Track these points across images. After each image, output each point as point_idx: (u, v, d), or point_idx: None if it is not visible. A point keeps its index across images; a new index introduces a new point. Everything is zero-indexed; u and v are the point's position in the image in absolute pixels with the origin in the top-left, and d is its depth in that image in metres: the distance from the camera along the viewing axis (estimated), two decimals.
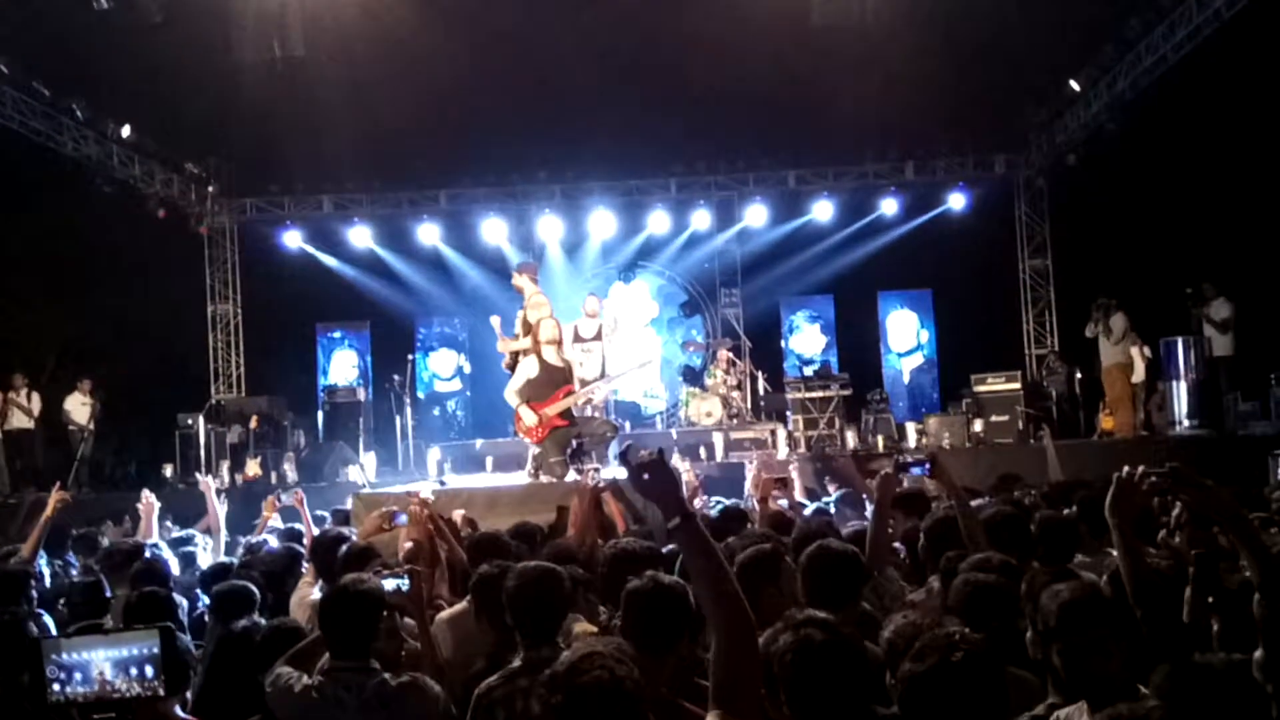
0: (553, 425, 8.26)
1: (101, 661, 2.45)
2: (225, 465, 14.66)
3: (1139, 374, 14.02)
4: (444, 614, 4.49)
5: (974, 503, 5.12)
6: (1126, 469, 3.36)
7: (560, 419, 8.32)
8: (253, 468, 14.21)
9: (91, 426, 14.75)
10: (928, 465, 4.95)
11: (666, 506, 2.59)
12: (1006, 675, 2.57)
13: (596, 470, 7.50)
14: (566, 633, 3.93)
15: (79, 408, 14.93)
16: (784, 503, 7.17)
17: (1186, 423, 13.35)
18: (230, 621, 4.45)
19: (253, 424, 15.34)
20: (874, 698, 2.68)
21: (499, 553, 4.85)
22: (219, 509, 7.65)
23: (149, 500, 7.27)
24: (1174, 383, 13.57)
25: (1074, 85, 14.92)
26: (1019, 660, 3.04)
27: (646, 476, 2.59)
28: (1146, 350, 14.05)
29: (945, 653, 2.42)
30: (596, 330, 10.64)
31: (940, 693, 2.39)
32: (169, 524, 9.06)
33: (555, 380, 8.32)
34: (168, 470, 14.88)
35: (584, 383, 8.86)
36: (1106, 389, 13.81)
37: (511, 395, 8.35)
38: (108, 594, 5.17)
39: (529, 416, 8.21)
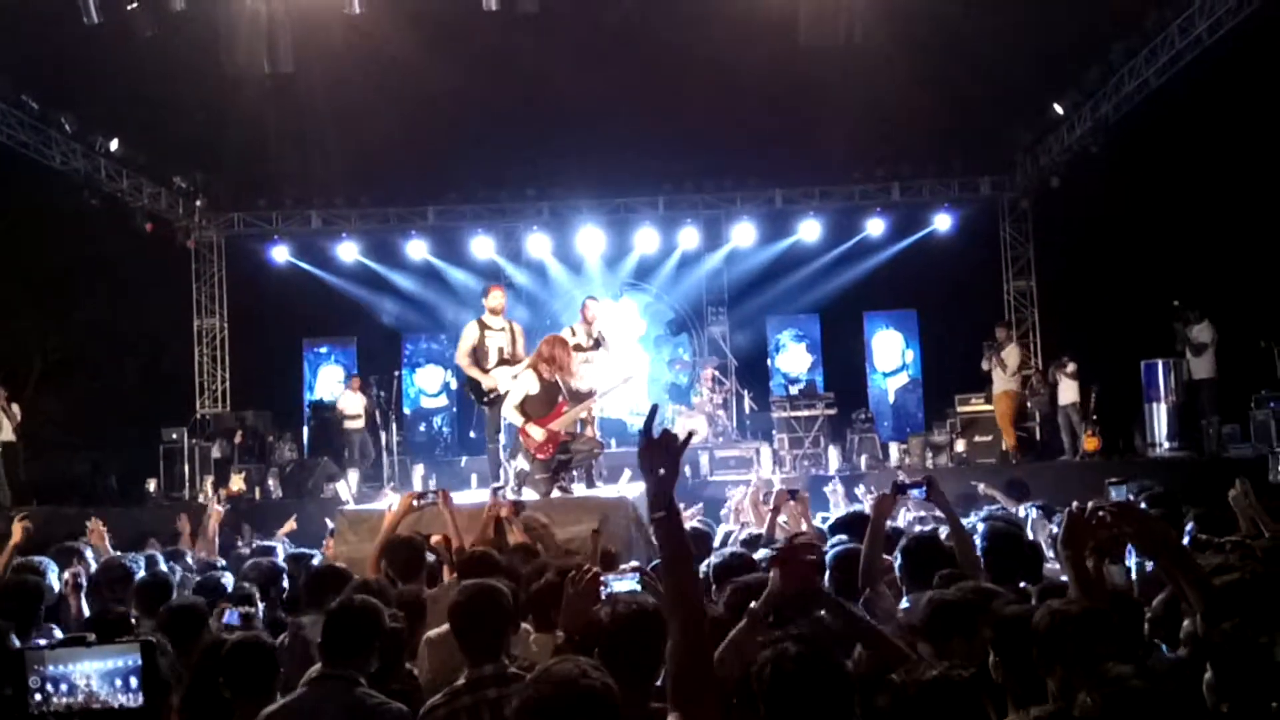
0: (558, 441, 8.46)
1: (87, 673, 2.47)
2: (209, 480, 14.63)
3: (1072, 394, 13.95)
4: (429, 634, 4.50)
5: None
6: (1076, 504, 3.44)
7: (564, 434, 8.53)
8: (237, 483, 14.18)
9: (362, 421, 15.47)
10: (925, 487, 5.01)
11: (656, 496, 2.62)
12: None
13: (500, 488, 7.77)
14: (522, 643, 3.98)
15: (352, 404, 15.60)
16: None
17: (1166, 444, 13.46)
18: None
19: (237, 439, 15.33)
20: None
21: (488, 570, 4.80)
22: (210, 534, 8.03)
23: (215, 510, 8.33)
24: (1154, 405, 13.68)
25: (1058, 108, 15.07)
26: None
27: (652, 455, 2.61)
28: (1072, 367, 14.06)
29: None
30: (594, 338, 10.56)
31: None
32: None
33: (552, 397, 8.50)
34: (150, 485, 14.84)
35: (577, 394, 8.87)
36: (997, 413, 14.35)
37: (512, 412, 8.50)
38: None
39: (537, 433, 8.37)
